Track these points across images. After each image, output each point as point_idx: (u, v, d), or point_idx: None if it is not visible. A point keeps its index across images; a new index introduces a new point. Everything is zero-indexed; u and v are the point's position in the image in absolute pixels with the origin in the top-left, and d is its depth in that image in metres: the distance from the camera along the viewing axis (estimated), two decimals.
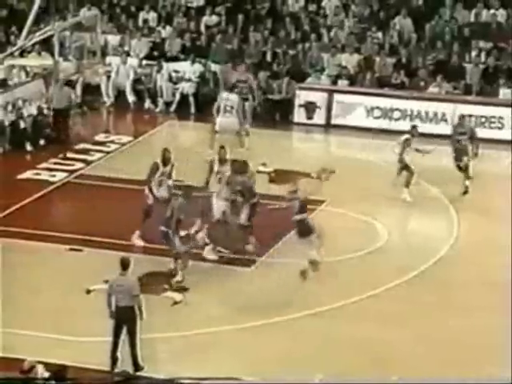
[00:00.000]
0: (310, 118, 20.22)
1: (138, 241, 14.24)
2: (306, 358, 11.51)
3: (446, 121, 19.50)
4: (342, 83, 20.86)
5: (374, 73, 20.92)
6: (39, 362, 9.75)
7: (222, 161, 14.24)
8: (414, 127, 16.76)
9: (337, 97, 20.08)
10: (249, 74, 19.86)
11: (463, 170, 16.55)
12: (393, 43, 21.65)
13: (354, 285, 13.27)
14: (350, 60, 21.22)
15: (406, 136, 16.38)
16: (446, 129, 19.23)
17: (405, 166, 16.20)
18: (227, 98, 17.73)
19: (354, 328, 12.15)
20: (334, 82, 20.92)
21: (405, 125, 19.01)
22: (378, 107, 19.83)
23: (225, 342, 11.91)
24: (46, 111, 19.00)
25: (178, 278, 13.16)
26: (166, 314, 12.43)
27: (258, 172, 17.07)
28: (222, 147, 14.42)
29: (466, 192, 16.46)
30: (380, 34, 21.83)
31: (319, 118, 20.13)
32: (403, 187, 16.14)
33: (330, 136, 19.99)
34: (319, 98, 20.12)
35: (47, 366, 9.91)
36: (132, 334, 11.09)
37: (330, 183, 16.55)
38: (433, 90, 20.22)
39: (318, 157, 18.00)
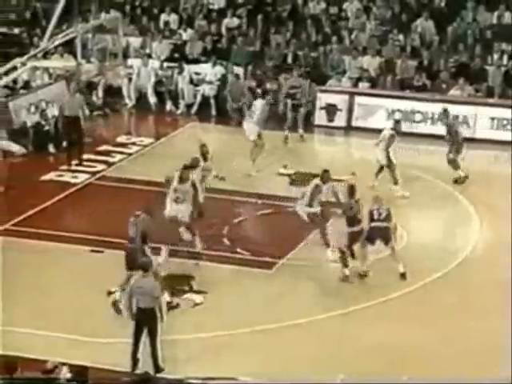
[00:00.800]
0: (331, 120, 20.20)
1: (200, 244, 14.24)
2: (326, 360, 11.51)
3: (467, 123, 19.43)
4: (363, 86, 20.84)
5: (395, 75, 20.88)
6: (63, 364, 9.81)
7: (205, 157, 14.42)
8: (397, 122, 16.87)
9: (358, 99, 20.06)
10: (302, 80, 19.51)
11: (450, 163, 16.88)
12: (414, 46, 21.60)
13: (375, 287, 13.24)
14: (371, 62, 21.18)
15: (392, 132, 16.48)
16: (467, 131, 19.19)
17: (388, 162, 16.37)
18: (254, 104, 17.45)
19: (376, 330, 12.12)
20: (355, 85, 20.90)
21: (426, 128, 18.99)
22: (399, 110, 19.78)
23: (245, 344, 11.92)
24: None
25: None
26: (187, 316, 12.46)
27: (279, 174, 17.15)
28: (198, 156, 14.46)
29: (456, 181, 16.75)
30: (401, 37, 21.80)
31: (340, 120, 20.11)
32: (393, 185, 16.30)
33: (350, 138, 19.97)
34: (340, 100, 20.10)
35: (67, 366, 9.97)
36: (153, 336, 11.13)
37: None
38: (454, 92, 20.15)
39: (338, 159, 17.98)
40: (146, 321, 11.13)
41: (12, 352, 11.03)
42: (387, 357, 11.55)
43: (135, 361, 11.17)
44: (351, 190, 13.81)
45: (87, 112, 19.15)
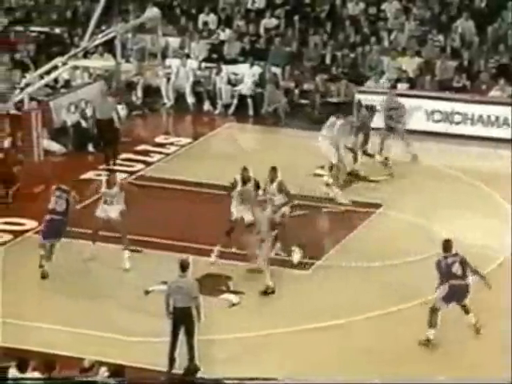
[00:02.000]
0: None
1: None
2: (364, 360, 11.50)
3: (508, 125, 19.22)
4: (402, 86, 20.70)
5: (434, 76, 20.72)
6: (101, 363, 9.89)
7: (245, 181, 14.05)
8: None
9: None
10: (399, 101, 18.51)
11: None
12: (454, 46, 21.43)
13: (411, 289, 13.15)
14: (410, 63, 21.05)
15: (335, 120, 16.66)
16: (507, 133, 18.99)
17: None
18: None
19: (414, 331, 12.04)
20: (394, 86, 20.76)
21: (466, 129, 18.79)
22: (438, 111, 19.64)
23: (282, 344, 11.93)
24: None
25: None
26: (223, 316, 12.50)
27: (315, 175, 17.11)
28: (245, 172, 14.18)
29: (349, 174, 17.00)
30: (441, 37, 21.63)
31: (378, 121, 19.97)
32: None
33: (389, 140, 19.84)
34: (379, 101, 19.96)
35: (104, 365, 10.05)
36: (190, 335, 11.17)
37: (388, 187, 16.53)
38: (495, 93, 19.95)
39: (377, 160, 17.89)
40: (183, 320, 11.17)
41: (48, 349, 11.17)
42: (423, 357, 11.50)
43: (172, 360, 11.23)
44: (447, 245, 12.21)
45: (123, 113, 19.26)
